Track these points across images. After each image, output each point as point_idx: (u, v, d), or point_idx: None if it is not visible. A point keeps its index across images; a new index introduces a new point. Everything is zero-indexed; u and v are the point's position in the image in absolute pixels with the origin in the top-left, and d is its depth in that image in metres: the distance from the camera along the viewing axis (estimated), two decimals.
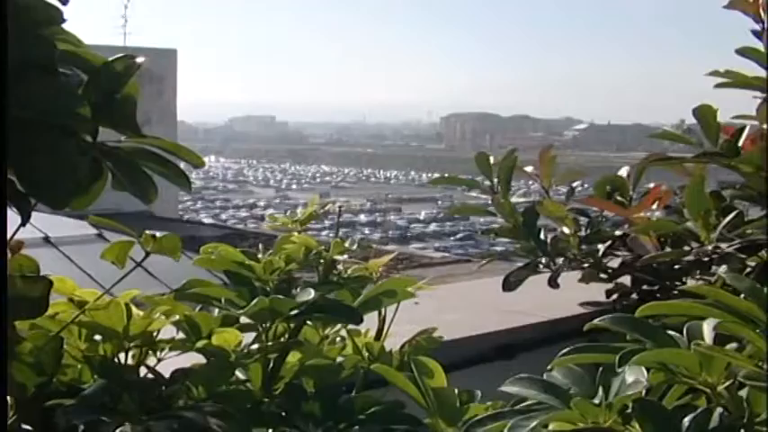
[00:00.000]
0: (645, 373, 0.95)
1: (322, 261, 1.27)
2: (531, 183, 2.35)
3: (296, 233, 1.33)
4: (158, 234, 1.11)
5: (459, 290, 2.77)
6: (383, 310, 1.32)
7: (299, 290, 1.20)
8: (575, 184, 2.34)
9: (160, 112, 11.34)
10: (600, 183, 2.25)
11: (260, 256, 1.25)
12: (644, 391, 0.95)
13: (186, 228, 9.51)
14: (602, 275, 2.25)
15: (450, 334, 1.81)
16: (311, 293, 1.15)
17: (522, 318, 2.24)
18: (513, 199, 2.21)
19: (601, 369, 0.99)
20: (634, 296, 2.24)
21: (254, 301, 1.12)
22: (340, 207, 1.39)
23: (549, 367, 1.03)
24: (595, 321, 0.98)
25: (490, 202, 2.19)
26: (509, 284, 2.17)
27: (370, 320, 1.27)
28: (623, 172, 2.29)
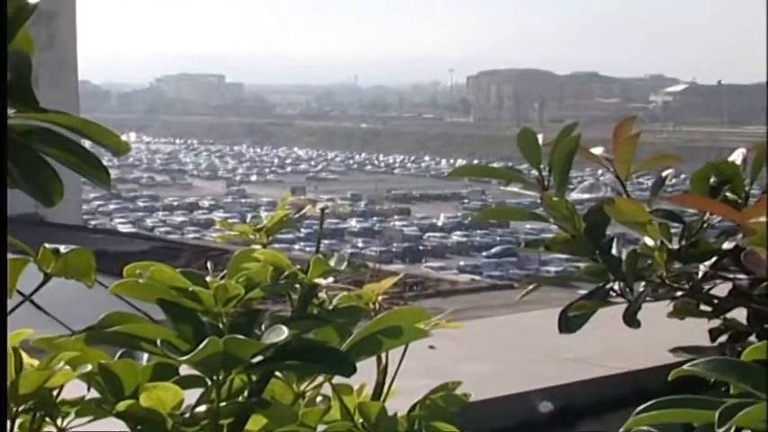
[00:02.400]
0: None
1: (297, 286, 1.30)
2: (600, 172, 2.38)
3: (260, 247, 1.37)
4: (62, 249, 1.14)
5: (493, 328, 2.81)
6: (384, 355, 1.35)
7: (264, 327, 1.24)
8: (665, 174, 2.37)
9: (53, 67, 11.36)
10: (701, 172, 2.28)
11: (209, 279, 1.28)
12: None
13: (94, 240, 9.54)
14: (704, 308, 2.28)
15: (481, 391, 1.84)
16: (283, 333, 1.18)
17: (585, 369, 2.28)
18: (573, 196, 2.24)
19: None
20: (752, 338, 2.26)
21: (203, 343, 1.16)
22: (322, 209, 1.43)
23: (622, 429, 1.06)
24: (686, 367, 1.02)
25: (539, 200, 2.22)
26: (567, 322, 2.20)
27: (366, 370, 1.31)
28: (737, 156, 2.31)
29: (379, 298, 1.41)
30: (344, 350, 1.26)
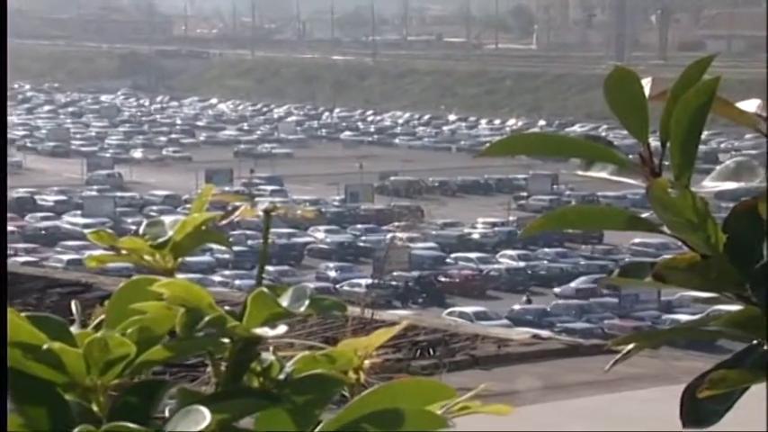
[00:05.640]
0: None
1: (227, 342, 1.36)
2: (764, 140, 2.42)
3: (161, 277, 1.43)
4: None
5: (568, 419, 2.87)
6: None
7: (170, 411, 1.30)
8: None
9: None
10: None
11: (74, 330, 1.33)
12: None
13: None
14: None
15: None
16: (202, 418, 1.24)
17: None
18: (706, 185, 2.29)
19: None
20: None
21: None
22: (267, 211, 1.46)
23: None
24: None
25: (645, 192, 2.26)
26: (697, 408, 2.26)
27: None
28: None
29: (367, 363, 1.44)
30: None
